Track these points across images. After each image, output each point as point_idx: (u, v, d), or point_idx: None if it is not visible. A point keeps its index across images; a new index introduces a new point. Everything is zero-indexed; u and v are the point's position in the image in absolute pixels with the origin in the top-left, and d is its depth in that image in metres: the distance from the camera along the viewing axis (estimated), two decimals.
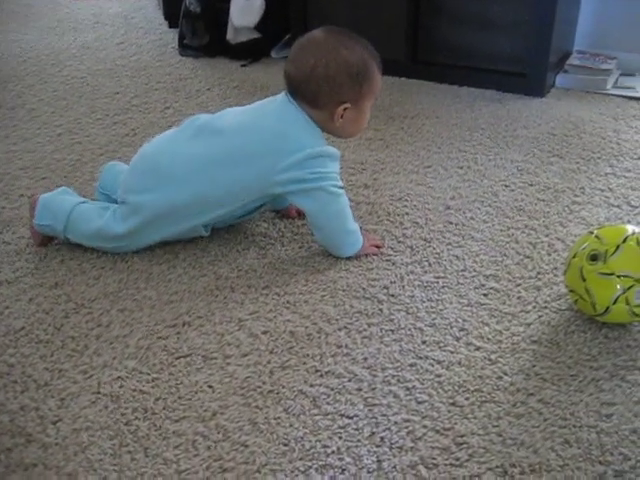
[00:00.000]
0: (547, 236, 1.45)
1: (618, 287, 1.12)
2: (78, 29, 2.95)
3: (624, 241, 1.14)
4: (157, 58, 2.57)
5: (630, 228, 1.17)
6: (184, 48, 2.61)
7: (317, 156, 1.30)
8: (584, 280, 1.15)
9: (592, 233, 1.19)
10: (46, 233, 1.41)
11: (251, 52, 2.52)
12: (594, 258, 1.14)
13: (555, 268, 1.35)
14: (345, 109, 1.32)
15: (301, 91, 1.31)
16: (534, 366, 1.10)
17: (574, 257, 1.18)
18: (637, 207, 1.55)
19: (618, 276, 1.12)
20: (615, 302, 1.12)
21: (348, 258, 1.37)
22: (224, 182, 1.32)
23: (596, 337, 1.16)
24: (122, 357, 1.14)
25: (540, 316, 1.22)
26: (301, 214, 1.50)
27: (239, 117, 1.37)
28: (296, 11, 2.43)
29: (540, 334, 1.17)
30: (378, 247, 1.39)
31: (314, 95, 1.31)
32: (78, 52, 2.65)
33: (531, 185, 1.65)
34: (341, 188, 1.34)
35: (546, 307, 1.24)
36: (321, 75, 1.29)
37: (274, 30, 2.52)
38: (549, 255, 1.39)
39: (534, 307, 1.24)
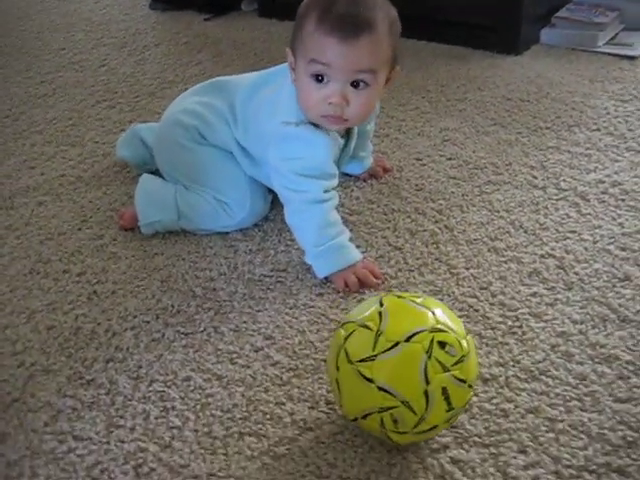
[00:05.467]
0: (436, 223, 1.21)
1: (375, 402, 0.75)
2: None
3: (408, 339, 0.75)
4: (125, 12, 2.41)
5: (432, 320, 0.76)
6: (154, 1, 2.44)
7: (286, 136, 1.08)
8: (337, 369, 0.78)
9: (380, 303, 0.79)
10: (156, 230, 1.20)
11: (219, 4, 2.33)
12: (359, 343, 0.77)
13: (423, 264, 1.11)
14: (291, 61, 1.06)
15: None
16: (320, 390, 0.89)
17: (342, 325, 0.81)
18: (565, 191, 1.27)
19: (379, 388, 0.75)
20: (366, 417, 0.77)
21: (185, 243, 1.18)
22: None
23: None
24: None
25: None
26: (388, 170, 1.34)
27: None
28: None
29: None
30: (362, 281, 1.07)
31: None
32: (51, 4, 2.52)
33: (449, 159, 1.39)
34: (325, 192, 1.09)
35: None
36: None
37: None
38: (425, 247, 1.15)
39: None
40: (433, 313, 0.78)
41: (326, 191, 1.09)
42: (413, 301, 0.80)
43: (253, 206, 1.18)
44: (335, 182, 1.11)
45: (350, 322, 0.80)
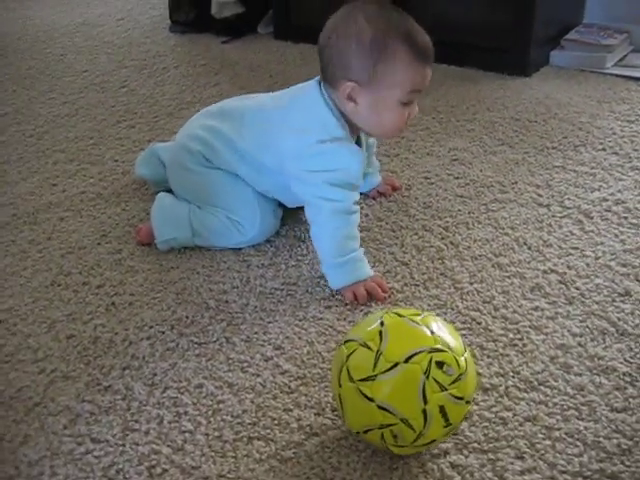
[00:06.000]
0: (442, 239, 1.24)
1: (375, 419, 0.79)
2: (91, 4, 2.92)
3: (407, 359, 0.77)
4: (146, 35, 2.49)
5: (430, 340, 0.79)
6: (173, 24, 2.52)
7: (321, 152, 1.13)
8: (340, 385, 0.82)
9: (381, 322, 0.82)
10: (171, 247, 1.25)
11: (236, 27, 2.40)
12: (360, 362, 0.80)
13: (429, 279, 1.15)
14: (353, 89, 1.10)
15: (320, 64, 1.15)
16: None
17: (345, 343, 0.83)
18: (569, 208, 1.31)
19: (379, 407, 0.78)
20: (367, 432, 0.81)
21: (199, 257, 1.23)
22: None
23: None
24: None
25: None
26: (397, 188, 1.40)
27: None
28: None
29: None
30: (370, 294, 1.11)
31: (325, 67, 1.13)
32: (75, 28, 2.61)
33: (457, 178, 1.43)
34: (354, 204, 1.14)
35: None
36: (332, 44, 1.11)
37: (258, 4, 2.37)
38: (431, 262, 1.19)
39: None
40: (432, 332, 0.80)
41: (355, 203, 1.15)
42: (413, 320, 0.82)
43: (263, 223, 1.22)
44: (358, 195, 1.17)
45: (352, 340, 0.83)
